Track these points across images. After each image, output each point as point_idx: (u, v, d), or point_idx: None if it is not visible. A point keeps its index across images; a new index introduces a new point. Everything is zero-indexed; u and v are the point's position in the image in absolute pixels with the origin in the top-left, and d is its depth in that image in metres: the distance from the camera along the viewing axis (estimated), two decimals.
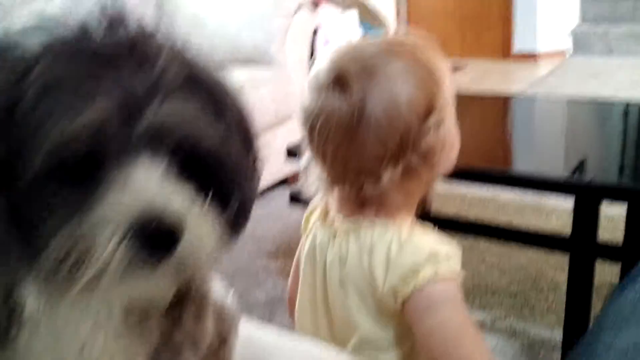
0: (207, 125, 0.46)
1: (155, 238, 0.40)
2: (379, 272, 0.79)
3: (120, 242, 0.39)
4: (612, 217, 2.22)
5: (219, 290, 0.67)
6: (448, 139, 0.82)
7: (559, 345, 1.49)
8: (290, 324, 1.71)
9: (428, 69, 0.80)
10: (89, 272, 0.40)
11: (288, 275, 1.97)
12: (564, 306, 1.38)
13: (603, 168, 1.52)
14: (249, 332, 0.83)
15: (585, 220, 1.28)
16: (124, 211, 0.40)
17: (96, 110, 0.40)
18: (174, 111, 0.43)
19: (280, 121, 2.54)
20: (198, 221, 0.43)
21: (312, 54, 3.01)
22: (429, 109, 0.79)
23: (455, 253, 0.80)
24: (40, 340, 0.48)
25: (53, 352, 0.49)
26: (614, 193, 1.26)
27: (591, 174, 1.41)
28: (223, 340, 0.66)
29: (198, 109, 0.45)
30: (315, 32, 2.97)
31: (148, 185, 0.41)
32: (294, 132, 2.53)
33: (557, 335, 1.59)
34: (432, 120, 0.79)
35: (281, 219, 2.40)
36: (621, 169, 1.51)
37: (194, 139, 0.45)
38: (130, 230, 0.39)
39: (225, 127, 0.48)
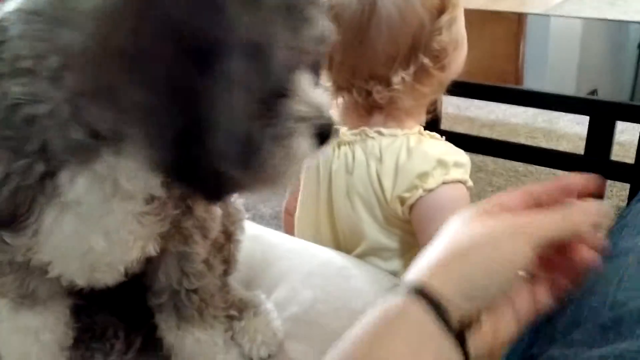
0: None
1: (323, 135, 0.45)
2: (388, 180, 0.78)
3: (309, 145, 0.44)
4: (623, 143, 2.21)
5: None
6: (459, 39, 0.80)
7: None
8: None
9: None
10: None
11: (293, 190, 1.99)
12: None
13: (617, 91, 1.49)
14: (258, 231, 0.84)
15: (599, 141, 1.27)
16: (308, 122, 0.44)
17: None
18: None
19: None
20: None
21: None
22: (442, 6, 0.76)
23: (465, 162, 0.78)
24: (66, 224, 0.48)
25: (77, 235, 0.49)
26: (629, 113, 1.24)
27: (605, 96, 1.39)
28: (229, 236, 0.67)
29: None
30: None
31: (313, 94, 0.45)
32: None
33: None
34: (445, 18, 0.76)
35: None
36: (633, 94, 1.49)
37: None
38: (314, 136, 0.44)
39: None
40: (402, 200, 0.77)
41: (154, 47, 0.36)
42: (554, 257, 0.43)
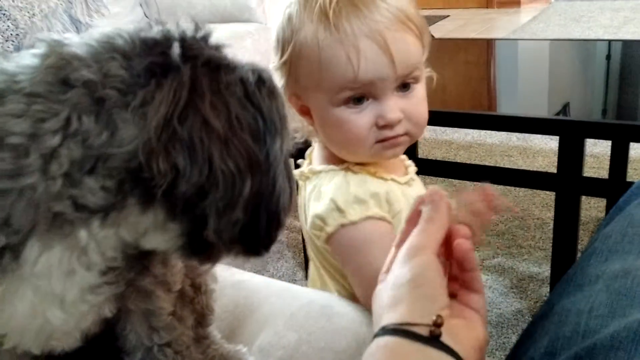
0: None
1: None
2: (303, 219, 0.81)
3: None
4: (597, 155, 2.25)
5: None
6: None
7: (548, 280, 1.52)
8: (282, 274, 1.74)
9: None
10: None
11: None
12: (551, 243, 1.40)
13: (587, 108, 1.53)
14: (240, 276, 0.84)
15: (570, 158, 1.30)
16: None
17: None
18: None
19: None
20: None
21: None
22: None
23: (371, 196, 0.76)
24: (23, 298, 0.48)
25: (34, 309, 0.49)
26: (597, 130, 1.27)
27: (575, 114, 1.42)
28: (197, 288, 0.67)
29: None
30: None
31: None
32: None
33: (545, 270, 1.62)
34: None
35: None
36: (604, 109, 1.52)
37: None
38: None
39: None
40: (317, 240, 0.79)
41: (229, 123, 0.45)
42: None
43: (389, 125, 0.74)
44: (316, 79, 0.74)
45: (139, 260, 0.54)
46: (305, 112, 0.79)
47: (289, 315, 0.74)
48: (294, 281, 1.70)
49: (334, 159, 0.81)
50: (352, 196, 0.75)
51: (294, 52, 0.75)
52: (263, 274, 1.72)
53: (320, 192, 0.78)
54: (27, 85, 0.44)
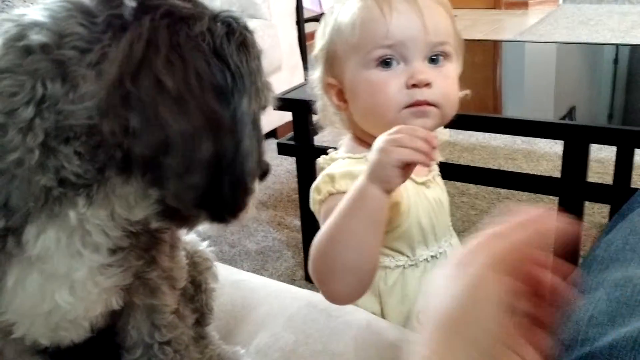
0: None
1: None
2: None
3: None
4: (602, 160, 2.24)
5: (192, 237, 0.67)
6: (353, 87, 0.80)
7: None
8: (281, 273, 1.74)
9: None
10: None
11: (278, 225, 1.99)
12: (553, 249, 1.39)
13: (592, 112, 1.52)
14: (239, 276, 0.84)
15: (575, 163, 1.29)
16: None
17: None
18: None
19: (267, 73, 2.51)
20: None
21: (298, 5, 2.96)
22: None
23: (349, 174, 0.76)
24: (31, 282, 0.48)
25: (42, 293, 0.49)
26: (602, 136, 1.26)
27: (581, 118, 1.41)
28: (198, 286, 0.67)
29: None
30: None
31: None
32: (282, 83, 2.50)
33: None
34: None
35: (271, 170, 2.39)
36: (610, 113, 1.51)
37: None
38: None
39: None
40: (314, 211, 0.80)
41: (187, 82, 0.42)
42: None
43: (418, 86, 0.74)
44: (351, 44, 0.77)
45: (147, 251, 0.55)
46: (341, 97, 0.81)
47: (287, 316, 0.74)
48: (293, 281, 1.70)
49: (357, 150, 0.82)
50: (346, 171, 0.77)
51: (333, 30, 0.80)
52: (262, 273, 1.72)
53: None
54: None
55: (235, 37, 0.46)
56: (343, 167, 0.78)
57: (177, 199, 0.44)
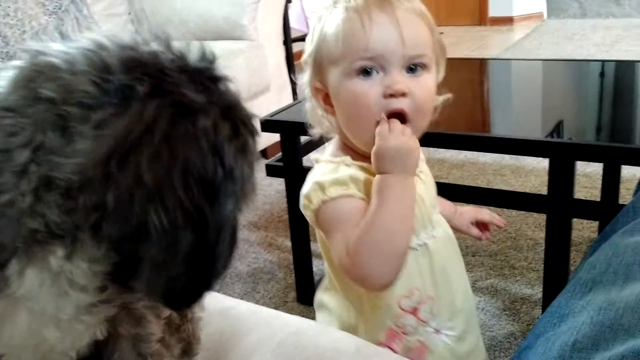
0: None
1: None
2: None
3: None
4: (590, 175, 2.25)
5: None
6: (336, 93, 0.86)
7: (540, 302, 1.51)
8: (273, 295, 1.73)
9: None
10: None
11: (269, 246, 1.99)
12: (543, 264, 1.40)
13: (579, 128, 1.53)
14: (226, 303, 0.84)
15: (561, 180, 1.30)
16: None
17: None
18: None
19: (255, 94, 2.53)
20: None
21: (285, 25, 2.98)
22: None
23: (350, 179, 0.84)
24: (19, 320, 0.49)
25: (30, 330, 0.49)
26: (588, 153, 1.27)
27: (568, 135, 1.42)
28: (184, 316, 0.66)
29: None
30: (287, 2, 2.93)
31: None
32: (270, 104, 2.51)
33: (538, 292, 1.61)
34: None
35: (261, 191, 2.40)
36: (598, 129, 1.52)
37: None
38: None
39: None
40: (307, 218, 0.87)
41: (170, 178, 0.42)
42: None
43: (395, 95, 0.80)
44: (334, 55, 0.83)
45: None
46: (327, 101, 0.87)
47: (277, 343, 0.74)
48: (285, 302, 1.69)
49: (338, 154, 0.89)
50: (334, 178, 0.83)
51: (319, 39, 0.85)
52: (254, 296, 1.71)
53: (307, 179, 0.87)
54: (2, 98, 0.44)
55: (237, 140, 0.46)
56: (328, 175, 0.85)
57: (147, 285, 0.45)
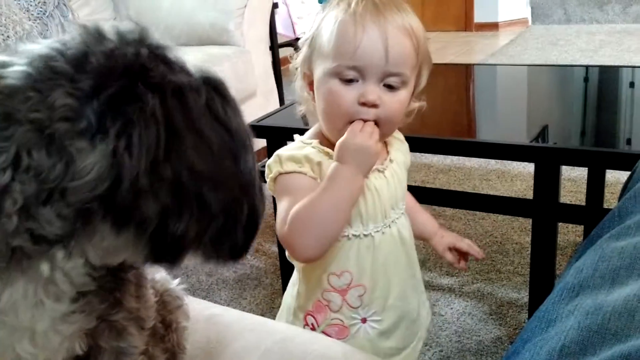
0: None
1: None
2: None
3: None
4: (575, 179, 2.27)
5: (162, 275, 0.66)
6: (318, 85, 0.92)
7: (527, 306, 1.52)
8: (259, 301, 1.72)
9: None
10: None
11: (256, 252, 1.98)
12: (529, 268, 1.41)
13: (564, 133, 1.54)
14: (213, 310, 0.83)
15: (547, 185, 1.30)
16: None
17: None
18: None
19: (242, 99, 2.52)
20: None
21: (272, 30, 2.98)
22: None
23: (305, 159, 0.90)
24: None
25: (4, 343, 0.48)
26: (573, 158, 1.28)
27: (553, 140, 1.43)
28: (168, 325, 0.65)
29: None
30: (274, 8, 2.93)
31: None
32: (257, 109, 2.51)
33: (524, 296, 1.62)
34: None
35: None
36: (582, 134, 1.53)
37: None
38: None
39: None
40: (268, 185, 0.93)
41: (209, 159, 0.46)
42: None
43: (366, 105, 0.86)
44: (325, 49, 0.88)
45: (111, 292, 0.53)
46: (311, 87, 0.93)
47: (263, 350, 0.73)
48: (272, 309, 1.68)
49: (311, 138, 0.95)
50: (291, 154, 0.90)
51: (316, 31, 0.90)
52: (240, 302, 1.70)
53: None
54: None
55: (228, 103, 0.49)
56: (289, 150, 0.92)
57: (209, 254, 0.48)
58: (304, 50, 0.93)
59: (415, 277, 1.02)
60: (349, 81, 0.86)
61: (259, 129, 1.58)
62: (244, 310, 0.83)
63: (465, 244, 1.08)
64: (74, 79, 0.43)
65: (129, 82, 0.43)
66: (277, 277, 1.80)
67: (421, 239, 1.11)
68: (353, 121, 0.87)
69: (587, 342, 0.51)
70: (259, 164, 1.82)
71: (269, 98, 2.76)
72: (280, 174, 0.90)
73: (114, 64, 0.44)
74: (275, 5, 2.99)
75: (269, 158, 1.63)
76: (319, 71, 0.89)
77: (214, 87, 0.48)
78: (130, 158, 0.41)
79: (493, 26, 5.77)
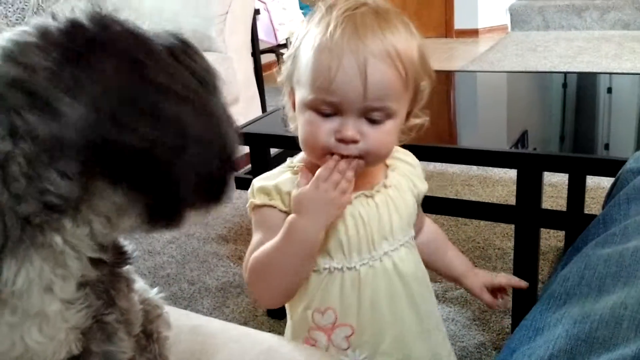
0: None
1: None
2: None
3: None
4: (555, 185, 2.29)
5: (140, 285, 0.66)
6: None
7: (510, 311, 1.52)
8: (242, 309, 1.71)
9: None
10: None
11: (239, 260, 1.97)
12: (512, 273, 1.41)
13: (544, 139, 1.55)
14: (196, 321, 0.82)
15: (529, 191, 1.31)
16: None
17: None
18: None
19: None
20: None
21: (253, 37, 2.97)
22: None
23: (275, 190, 0.85)
24: (3, 321, 0.48)
25: (13, 331, 0.49)
26: (555, 163, 1.29)
27: (533, 145, 1.44)
28: (150, 335, 0.65)
29: None
30: (255, 15, 2.93)
31: None
32: (238, 116, 2.49)
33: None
34: None
35: (229, 204, 2.37)
36: (561, 139, 1.55)
37: None
38: None
39: None
40: None
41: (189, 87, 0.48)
42: None
43: (344, 141, 0.78)
44: (303, 77, 0.80)
45: (106, 291, 0.54)
46: (294, 107, 0.86)
47: None
48: (255, 317, 1.67)
49: (294, 160, 0.89)
50: (261, 186, 0.86)
51: (298, 47, 0.82)
52: (223, 311, 1.69)
53: None
54: None
55: (190, 48, 0.51)
56: (262, 179, 0.87)
57: (189, 190, 0.48)
58: (287, 66, 0.85)
59: (422, 319, 0.89)
60: (327, 115, 0.79)
61: (241, 136, 1.57)
62: (226, 319, 0.83)
63: (504, 279, 0.99)
64: (45, 48, 0.45)
65: (93, 37, 0.46)
66: None
67: (451, 280, 1.02)
68: (332, 153, 0.79)
69: (575, 351, 0.51)
70: (241, 172, 1.81)
71: (251, 105, 2.75)
72: (255, 206, 0.86)
73: (75, 30, 0.47)
74: (256, 12, 2.99)
75: (252, 165, 1.63)
76: (298, 96, 0.82)
77: (176, 37, 0.51)
78: (107, 102, 0.44)
79: (473, 32, 5.82)
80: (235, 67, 2.59)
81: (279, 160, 1.80)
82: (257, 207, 0.85)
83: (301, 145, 0.84)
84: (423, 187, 0.93)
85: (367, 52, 0.75)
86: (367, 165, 0.81)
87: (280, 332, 0.94)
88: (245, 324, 1.57)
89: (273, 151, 1.67)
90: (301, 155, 0.89)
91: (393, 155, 0.88)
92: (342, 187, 0.78)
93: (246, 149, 1.60)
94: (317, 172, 0.78)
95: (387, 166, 0.88)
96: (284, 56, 0.87)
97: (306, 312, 0.86)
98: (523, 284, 1.00)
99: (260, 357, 0.72)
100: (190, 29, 2.55)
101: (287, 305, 0.91)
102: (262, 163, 1.58)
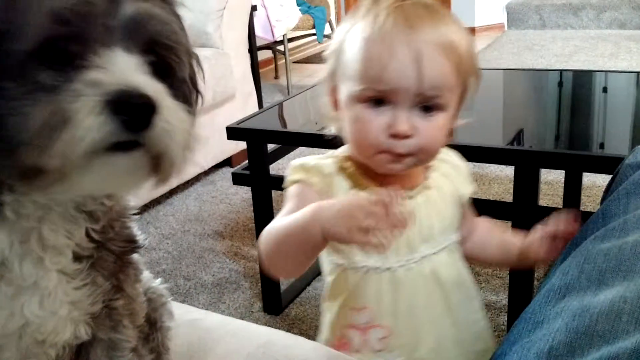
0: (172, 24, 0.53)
1: (132, 113, 0.42)
2: None
3: (97, 115, 0.40)
4: (552, 182, 2.29)
5: (145, 274, 0.66)
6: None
7: (505, 308, 1.52)
8: (239, 305, 1.71)
9: None
10: (66, 145, 0.40)
11: (235, 255, 1.97)
12: (508, 270, 1.41)
13: (539, 137, 1.55)
14: (194, 315, 0.82)
15: (526, 188, 1.31)
16: (102, 88, 0.41)
17: None
18: (147, 9, 0.47)
19: (220, 102, 2.50)
20: (170, 106, 0.45)
21: (250, 33, 2.96)
22: None
23: (301, 167, 0.83)
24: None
25: (11, 305, 0.49)
26: (553, 160, 1.29)
27: (528, 143, 1.45)
28: (153, 323, 0.65)
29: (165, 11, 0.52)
30: (252, 11, 2.92)
31: (126, 69, 0.43)
32: (234, 112, 2.49)
33: (503, 298, 1.63)
34: None
35: (225, 200, 2.37)
36: (556, 137, 1.55)
37: (162, 36, 0.50)
38: (108, 104, 0.41)
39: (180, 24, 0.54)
40: None
41: None
42: None
43: (397, 136, 0.75)
44: (350, 70, 0.77)
45: (113, 274, 0.55)
46: (337, 107, 0.82)
47: (246, 355, 0.72)
48: (251, 313, 1.67)
49: (346, 150, 0.85)
50: (302, 163, 0.84)
51: (343, 41, 0.79)
52: (219, 306, 1.69)
53: None
54: None
55: None
56: (305, 158, 0.84)
57: None
58: (329, 64, 0.82)
59: (459, 328, 0.85)
60: (376, 104, 0.75)
61: (238, 132, 1.57)
62: (222, 315, 0.82)
63: (551, 225, 0.89)
64: None
65: None
66: (257, 281, 1.78)
67: (521, 262, 0.94)
68: (383, 151, 0.76)
69: (575, 344, 0.51)
70: (238, 167, 1.80)
71: (247, 101, 2.74)
72: (292, 182, 0.83)
73: None
74: (254, 8, 2.98)
75: (249, 161, 1.63)
76: (343, 92, 0.79)
77: None
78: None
79: (470, 31, 5.82)
80: (232, 63, 2.59)
81: (275, 156, 1.80)
82: (293, 183, 0.82)
83: (350, 142, 0.81)
84: (467, 189, 0.89)
85: (421, 42, 0.73)
86: (416, 165, 0.79)
87: (276, 328, 0.94)
88: (241, 319, 1.57)
89: (270, 147, 1.67)
90: (344, 148, 0.86)
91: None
92: (369, 226, 0.65)
93: (243, 145, 1.60)
94: (375, 197, 0.66)
95: (428, 166, 0.85)
96: (325, 53, 0.84)
97: (343, 309, 0.83)
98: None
99: (258, 351, 0.72)
100: (186, 24, 2.54)
101: (324, 302, 0.88)
102: (259, 159, 1.58)
